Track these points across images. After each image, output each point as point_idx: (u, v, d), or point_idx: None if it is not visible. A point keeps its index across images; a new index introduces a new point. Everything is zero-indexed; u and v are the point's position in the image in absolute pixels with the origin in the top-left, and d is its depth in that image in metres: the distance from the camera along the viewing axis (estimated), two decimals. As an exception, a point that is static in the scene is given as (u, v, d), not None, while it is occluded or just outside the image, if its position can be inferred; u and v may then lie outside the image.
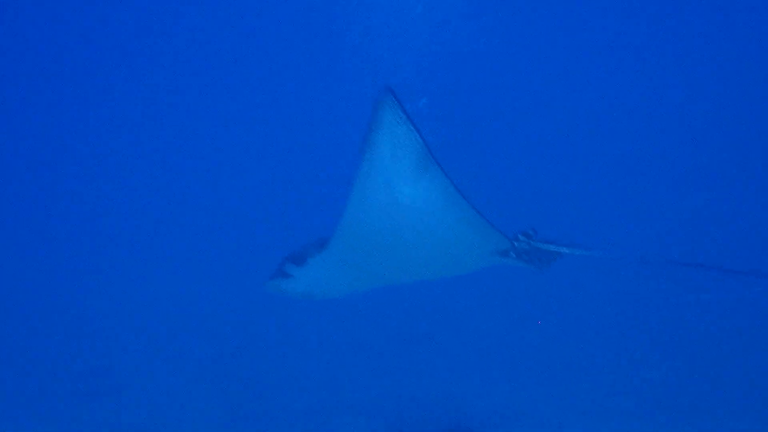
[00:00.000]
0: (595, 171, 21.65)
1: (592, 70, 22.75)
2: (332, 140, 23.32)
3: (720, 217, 17.87)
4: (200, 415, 8.16)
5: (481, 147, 23.18)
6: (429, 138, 2.93)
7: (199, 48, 23.31)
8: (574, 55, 22.62)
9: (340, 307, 12.05)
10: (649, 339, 10.55)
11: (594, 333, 10.93)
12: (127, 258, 21.38)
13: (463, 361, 10.05)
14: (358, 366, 10.06)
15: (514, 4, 20.81)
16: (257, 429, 7.59)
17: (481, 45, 21.85)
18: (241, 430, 7.60)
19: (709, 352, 9.51)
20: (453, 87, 22.48)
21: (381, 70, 21.96)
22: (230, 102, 25.04)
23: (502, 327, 11.75)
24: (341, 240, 3.44)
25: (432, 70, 21.86)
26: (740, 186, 19.15)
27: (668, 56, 21.80)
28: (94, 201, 25.13)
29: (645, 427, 6.96)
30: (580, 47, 22.45)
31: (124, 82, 23.90)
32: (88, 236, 23.58)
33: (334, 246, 3.51)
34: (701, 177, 19.81)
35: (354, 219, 3.27)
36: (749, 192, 18.81)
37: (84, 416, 8.31)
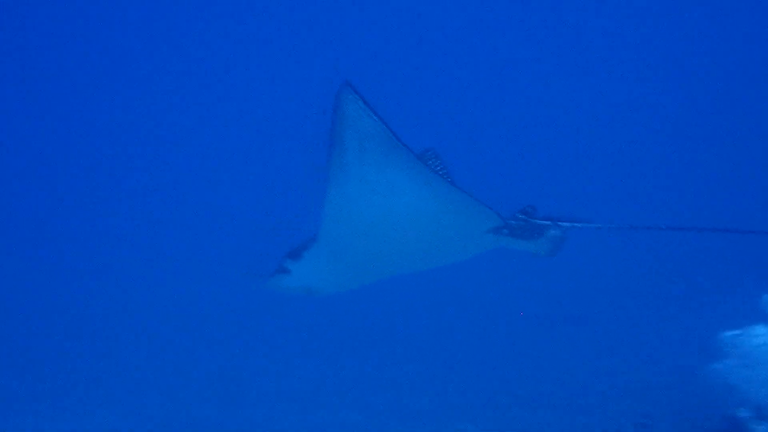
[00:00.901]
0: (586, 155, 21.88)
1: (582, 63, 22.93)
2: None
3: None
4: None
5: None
6: (395, 122, 2.84)
7: (189, 48, 23.35)
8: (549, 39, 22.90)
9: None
10: None
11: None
12: (127, 258, 21.32)
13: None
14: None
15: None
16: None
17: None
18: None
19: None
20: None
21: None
22: (230, 102, 25.03)
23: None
24: (327, 233, 3.42)
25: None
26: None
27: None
28: (94, 201, 25.08)
29: None
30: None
31: (125, 82, 23.88)
32: (87, 236, 23.52)
33: (322, 239, 3.49)
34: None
35: (335, 213, 3.24)
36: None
37: (84, 416, 8.30)
